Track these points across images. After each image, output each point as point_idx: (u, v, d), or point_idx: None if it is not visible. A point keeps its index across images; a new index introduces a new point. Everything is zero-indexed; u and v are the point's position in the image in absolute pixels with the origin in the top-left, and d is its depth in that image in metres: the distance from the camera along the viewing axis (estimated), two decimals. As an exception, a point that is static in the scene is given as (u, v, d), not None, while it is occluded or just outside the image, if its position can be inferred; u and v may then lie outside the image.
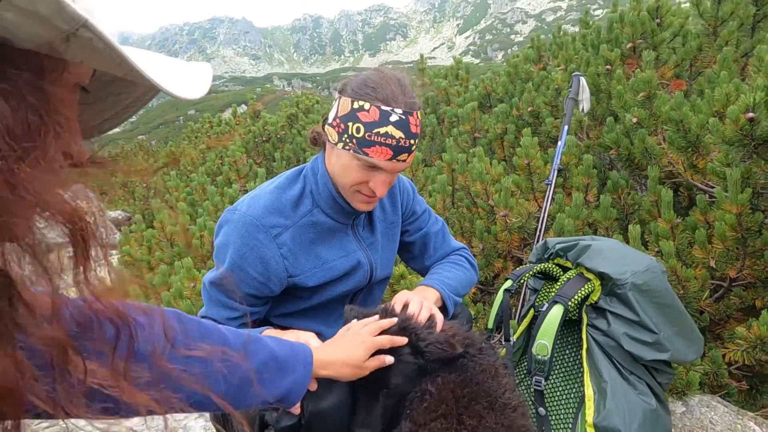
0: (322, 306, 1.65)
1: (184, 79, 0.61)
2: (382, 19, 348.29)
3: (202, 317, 1.56)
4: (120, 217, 8.35)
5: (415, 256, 1.90)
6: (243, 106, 8.33)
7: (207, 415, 2.40)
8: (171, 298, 2.96)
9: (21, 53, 0.47)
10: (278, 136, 6.79)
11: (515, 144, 3.77)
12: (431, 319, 1.46)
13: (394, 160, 1.42)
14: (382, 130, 1.38)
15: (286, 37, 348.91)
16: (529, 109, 4.03)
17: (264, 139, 6.73)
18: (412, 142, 1.43)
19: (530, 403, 1.70)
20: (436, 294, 1.65)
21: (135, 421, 2.70)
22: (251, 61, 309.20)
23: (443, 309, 1.64)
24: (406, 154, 1.43)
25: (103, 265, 0.57)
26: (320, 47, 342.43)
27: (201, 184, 4.96)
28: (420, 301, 1.49)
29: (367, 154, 1.40)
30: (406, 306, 1.47)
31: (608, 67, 3.68)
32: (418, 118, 1.44)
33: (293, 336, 1.33)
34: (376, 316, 1.39)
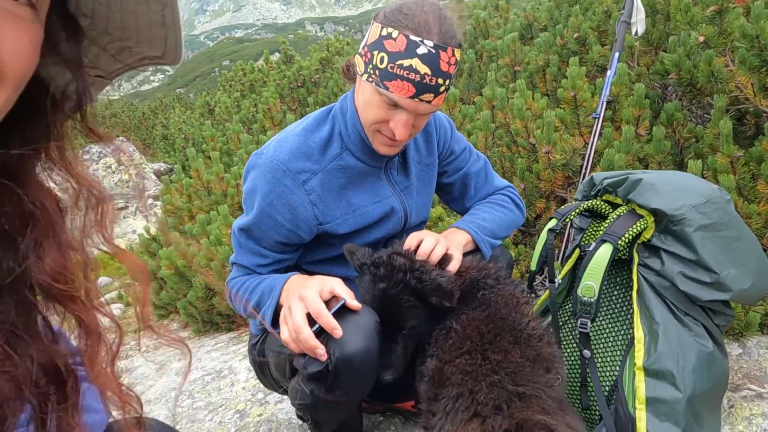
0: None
1: None
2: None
3: (233, 263, 1.54)
4: (162, 169, 8.55)
5: (455, 197, 1.81)
6: (276, 54, 8.14)
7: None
8: (210, 246, 3.01)
9: None
10: (312, 80, 6.63)
11: (558, 76, 3.52)
12: (446, 258, 1.40)
13: (416, 99, 1.28)
14: (406, 62, 1.24)
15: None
16: (575, 35, 3.72)
17: (299, 84, 6.59)
18: (440, 81, 1.28)
19: (574, 345, 1.63)
20: (465, 237, 1.56)
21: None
22: (282, 6, 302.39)
23: (476, 253, 1.57)
24: (432, 95, 1.29)
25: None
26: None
27: (236, 133, 4.94)
28: (436, 239, 1.42)
29: (387, 88, 1.28)
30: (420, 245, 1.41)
31: (666, -17, 3.31)
32: (453, 55, 1.28)
33: (318, 282, 1.29)
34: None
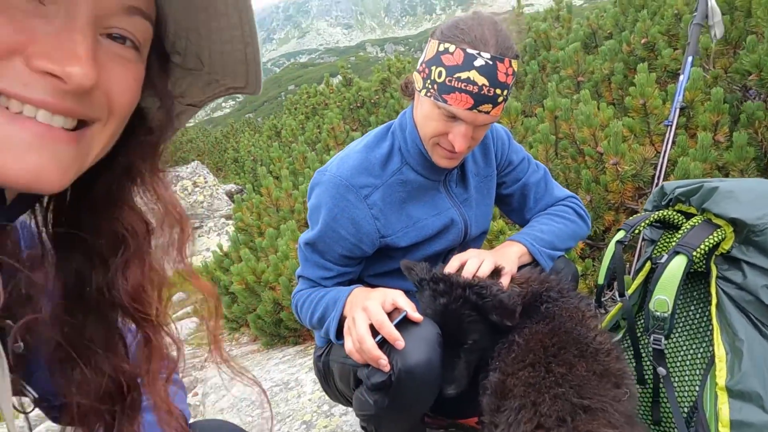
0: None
1: None
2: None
3: (299, 276, 1.61)
4: (233, 190, 9.01)
5: (515, 208, 1.79)
6: (338, 76, 8.43)
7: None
8: (278, 261, 3.13)
9: None
10: (372, 101, 6.79)
11: (625, 84, 3.39)
12: (498, 273, 1.39)
13: (474, 110, 1.29)
14: (464, 75, 1.26)
15: (377, 2, 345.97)
16: (642, 41, 3.58)
17: (358, 104, 6.77)
18: (498, 91, 1.29)
19: (647, 363, 1.55)
20: (520, 249, 1.53)
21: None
22: (344, 30, 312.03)
23: (535, 265, 1.54)
24: (490, 105, 1.30)
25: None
26: (411, 8, 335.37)
27: (301, 153, 5.14)
28: (479, 259, 1.41)
29: (446, 101, 1.30)
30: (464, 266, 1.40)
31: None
32: (511, 66, 1.29)
33: (380, 293, 1.32)
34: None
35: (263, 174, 4.27)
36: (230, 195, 8.63)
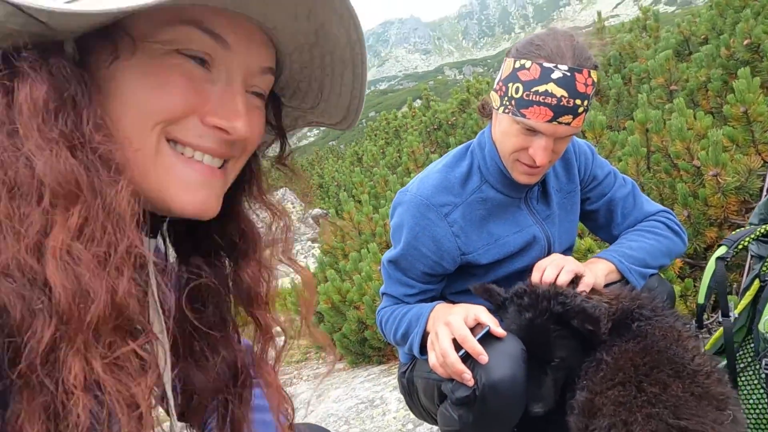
0: (499, 283, 1.61)
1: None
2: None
3: (383, 293, 1.66)
4: (318, 214, 9.38)
5: (601, 225, 1.73)
6: (417, 101, 8.60)
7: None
8: (362, 281, 3.23)
9: (89, 47, 0.57)
10: (449, 122, 6.84)
11: (723, 91, 3.16)
12: (578, 279, 1.35)
13: (554, 122, 1.29)
14: (542, 88, 1.27)
15: (454, 26, 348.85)
16: (745, 42, 3.33)
17: (435, 127, 6.84)
18: (578, 102, 1.28)
19: (761, 389, 1.42)
20: (607, 266, 1.48)
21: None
22: (422, 56, 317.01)
23: (625, 283, 1.47)
24: (570, 116, 1.29)
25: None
26: (489, 29, 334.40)
27: (382, 177, 5.29)
28: (557, 267, 1.38)
29: (524, 116, 1.31)
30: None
31: None
32: (590, 76, 1.29)
33: (463, 309, 1.33)
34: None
35: (345, 199, 4.44)
36: (316, 219, 9.00)
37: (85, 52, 0.58)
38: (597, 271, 1.44)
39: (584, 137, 3.44)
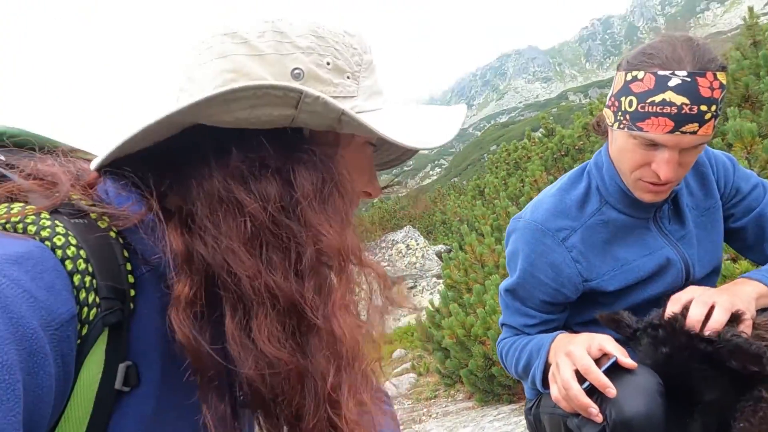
0: (629, 311, 1.49)
1: (432, 127, 0.76)
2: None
3: (502, 324, 1.62)
4: (442, 250, 9.42)
5: (750, 244, 1.53)
6: (539, 131, 8.38)
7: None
8: (485, 315, 3.15)
9: (317, 134, 0.69)
10: (576, 147, 6.53)
11: None
12: (737, 318, 1.16)
13: (676, 133, 1.18)
14: (658, 98, 1.18)
15: (575, 50, 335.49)
16: None
17: (562, 153, 6.57)
18: (703, 108, 1.17)
19: None
20: (758, 288, 1.28)
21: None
22: (542, 84, 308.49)
23: None
24: (696, 124, 1.18)
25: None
26: (615, 48, 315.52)
27: (504, 208, 5.19)
28: (705, 303, 1.18)
29: (641, 129, 1.22)
30: (687, 308, 1.20)
31: None
32: (717, 79, 1.17)
33: (586, 338, 1.25)
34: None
35: (466, 232, 4.43)
36: (439, 255, 9.05)
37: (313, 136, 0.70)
38: (745, 294, 1.26)
39: (730, 149, 3.07)
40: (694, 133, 1.19)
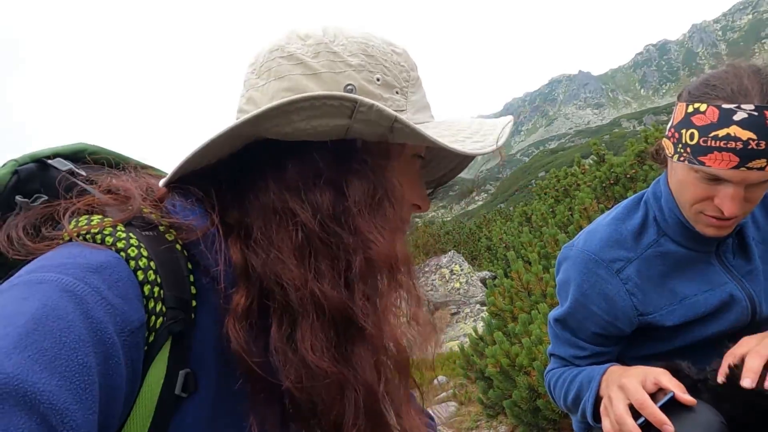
0: (690, 348, 1.42)
1: (483, 137, 0.77)
2: (749, 17, 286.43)
3: (551, 354, 1.58)
4: (487, 277, 9.25)
5: (826, 281, 1.43)
6: (590, 158, 8.18)
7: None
8: (531, 345, 3.06)
9: (370, 145, 0.71)
10: (627, 175, 6.31)
11: None
12: None
13: (742, 168, 1.14)
14: (722, 132, 1.14)
15: (629, 76, 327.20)
16: None
17: (611, 181, 6.37)
18: None
19: None
20: None
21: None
22: (594, 110, 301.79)
23: None
24: (764, 160, 1.12)
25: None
26: (671, 74, 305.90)
27: (552, 236, 5.06)
28: (763, 354, 1.11)
29: (702, 163, 1.18)
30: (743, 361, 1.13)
31: None
32: None
33: (640, 371, 1.20)
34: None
35: (513, 258, 4.35)
36: (484, 281, 8.89)
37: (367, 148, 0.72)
38: None
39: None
40: (761, 169, 1.14)
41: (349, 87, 0.69)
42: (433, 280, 9.47)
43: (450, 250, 11.44)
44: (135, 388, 0.57)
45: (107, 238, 0.59)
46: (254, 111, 0.62)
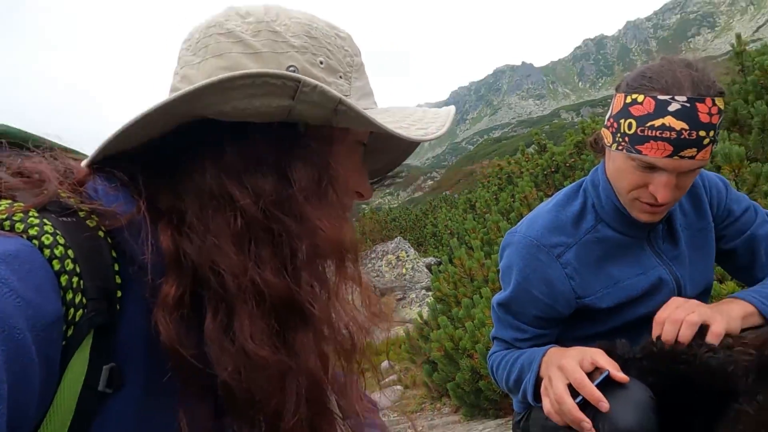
0: (623, 329, 1.49)
1: (426, 125, 0.75)
2: (677, 17, 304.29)
3: (494, 338, 1.61)
4: (432, 263, 9.43)
5: (741, 266, 1.54)
6: (532, 147, 8.46)
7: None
8: (474, 329, 3.15)
9: (312, 130, 0.68)
10: (567, 164, 6.59)
11: None
12: (707, 330, 1.19)
13: (675, 157, 1.20)
14: (658, 122, 1.19)
15: (569, 69, 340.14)
16: None
17: (552, 170, 6.63)
18: (701, 133, 1.18)
19: None
20: (744, 307, 1.29)
21: None
22: (536, 101, 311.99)
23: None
24: (695, 149, 1.19)
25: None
26: (607, 68, 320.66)
27: (495, 223, 5.21)
28: (676, 319, 1.22)
29: (640, 152, 1.23)
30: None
31: None
32: (715, 104, 1.19)
33: (578, 352, 1.25)
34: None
35: (456, 245, 4.44)
36: (429, 267, 9.05)
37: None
38: (730, 313, 1.27)
39: (719, 171, 3.11)
40: (692, 157, 1.20)
41: (291, 68, 0.66)
42: (379, 266, 9.54)
43: (396, 237, 11.55)
44: (51, 385, 0.52)
45: (17, 225, 0.53)
46: (189, 87, 0.58)
